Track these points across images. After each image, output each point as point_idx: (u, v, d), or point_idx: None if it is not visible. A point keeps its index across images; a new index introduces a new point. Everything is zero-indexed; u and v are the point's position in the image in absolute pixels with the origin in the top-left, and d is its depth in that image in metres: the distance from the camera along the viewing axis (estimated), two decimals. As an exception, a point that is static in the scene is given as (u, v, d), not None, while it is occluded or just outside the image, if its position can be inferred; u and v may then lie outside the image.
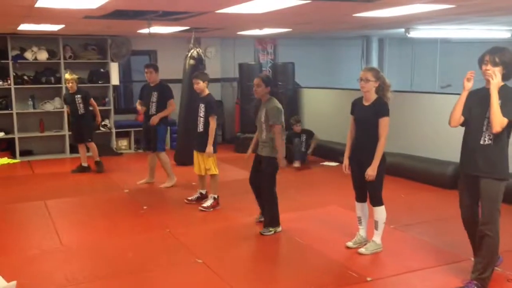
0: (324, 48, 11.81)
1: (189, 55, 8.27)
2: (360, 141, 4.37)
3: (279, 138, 4.82)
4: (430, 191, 6.68)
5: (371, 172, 4.18)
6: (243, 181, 7.34)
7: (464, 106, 3.58)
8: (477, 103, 3.52)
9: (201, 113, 5.81)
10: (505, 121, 3.35)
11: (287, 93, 10.25)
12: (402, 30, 8.88)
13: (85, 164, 8.09)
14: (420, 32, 8.94)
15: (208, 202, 5.90)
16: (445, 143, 6.86)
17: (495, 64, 3.45)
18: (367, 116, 4.28)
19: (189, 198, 6.20)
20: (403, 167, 7.28)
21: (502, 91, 3.41)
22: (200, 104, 5.81)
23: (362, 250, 4.44)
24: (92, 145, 8.06)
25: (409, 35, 8.97)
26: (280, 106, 4.91)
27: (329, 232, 5.09)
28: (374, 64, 11.33)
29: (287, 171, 7.92)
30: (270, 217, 5.01)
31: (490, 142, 3.46)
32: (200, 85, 5.84)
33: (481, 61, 3.53)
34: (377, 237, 4.44)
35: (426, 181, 6.93)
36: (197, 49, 8.31)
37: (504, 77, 3.48)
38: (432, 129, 7.27)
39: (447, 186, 6.60)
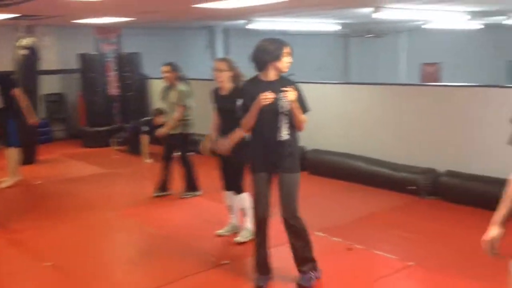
0: (170, 38, 11.71)
1: (20, 44, 7.57)
2: (224, 130, 4.41)
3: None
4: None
5: (223, 146, 4.22)
6: (93, 176, 7.06)
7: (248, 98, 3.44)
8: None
9: None
10: (305, 118, 3.43)
11: (133, 84, 10.00)
12: (243, 21, 9.20)
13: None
14: (259, 24, 9.36)
15: None
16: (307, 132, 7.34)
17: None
18: (226, 106, 4.32)
19: None
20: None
21: (282, 82, 3.40)
22: None
23: (238, 238, 4.46)
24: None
25: (248, 27, 9.33)
26: None
27: (188, 221, 5.13)
28: (220, 54, 11.57)
29: (142, 163, 7.79)
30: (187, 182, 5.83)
31: (288, 137, 3.43)
32: None
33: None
34: (248, 224, 4.47)
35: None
36: (30, 38, 7.64)
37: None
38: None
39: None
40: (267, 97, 3.30)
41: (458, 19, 9.40)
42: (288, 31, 11.85)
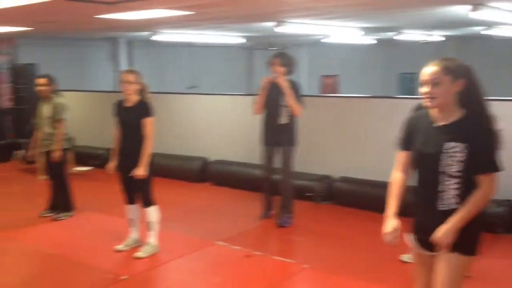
0: (71, 49, 11.29)
1: None
2: (126, 143, 4.34)
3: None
4: (181, 186, 7.04)
5: (140, 172, 4.19)
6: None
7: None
8: (272, 93, 4.97)
9: None
10: (301, 108, 4.93)
11: (28, 97, 9.49)
12: (147, 33, 9.13)
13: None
14: (164, 36, 9.34)
15: None
16: (194, 139, 7.37)
17: (282, 65, 4.88)
18: (131, 118, 4.27)
19: None
20: (159, 166, 7.46)
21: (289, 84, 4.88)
22: None
23: (139, 254, 4.35)
24: None
25: (153, 38, 9.28)
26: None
27: (84, 239, 4.95)
28: (124, 66, 11.36)
29: (37, 180, 7.37)
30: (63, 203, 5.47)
31: (287, 121, 4.96)
32: None
33: (271, 64, 4.95)
34: (152, 239, 4.41)
35: (179, 177, 7.25)
36: None
37: (287, 74, 4.95)
38: (184, 127, 7.69)
39: (196, 180, 7.09)
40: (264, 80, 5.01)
41: (353, 34, 10.00)
42: (194, 43, 11.93)
